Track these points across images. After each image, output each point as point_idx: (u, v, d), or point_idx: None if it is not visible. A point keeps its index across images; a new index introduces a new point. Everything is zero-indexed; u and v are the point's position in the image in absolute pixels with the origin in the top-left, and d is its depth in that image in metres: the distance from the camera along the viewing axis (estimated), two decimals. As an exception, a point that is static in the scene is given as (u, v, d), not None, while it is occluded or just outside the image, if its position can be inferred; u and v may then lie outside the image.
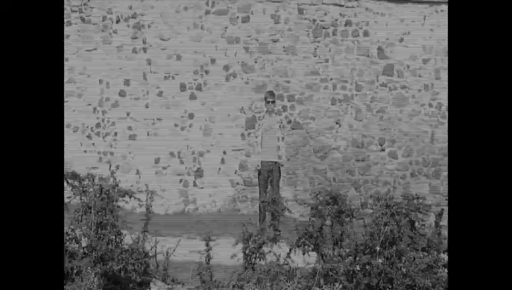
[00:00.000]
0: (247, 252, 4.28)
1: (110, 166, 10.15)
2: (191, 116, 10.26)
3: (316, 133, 10.46)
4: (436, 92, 10.60)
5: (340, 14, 10.50)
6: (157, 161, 10.20)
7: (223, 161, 10.29)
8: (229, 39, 10.30)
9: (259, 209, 7.81)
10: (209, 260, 4.11)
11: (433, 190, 10.50)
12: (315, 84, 10.45)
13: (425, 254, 4.22)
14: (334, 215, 4.31)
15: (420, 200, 4.30)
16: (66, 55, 10.02)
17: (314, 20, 10.46)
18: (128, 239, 4.38)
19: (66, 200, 4.19)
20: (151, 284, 4.32)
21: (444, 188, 10.42)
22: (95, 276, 4.09)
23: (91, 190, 4.37)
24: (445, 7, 10.37)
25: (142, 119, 10.24)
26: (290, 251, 4.37)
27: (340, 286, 4.17)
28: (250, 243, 4.27)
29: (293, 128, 10.39)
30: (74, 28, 10.22)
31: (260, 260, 4.32)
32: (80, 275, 4.13)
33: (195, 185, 10.22)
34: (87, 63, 10.23)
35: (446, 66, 10.38)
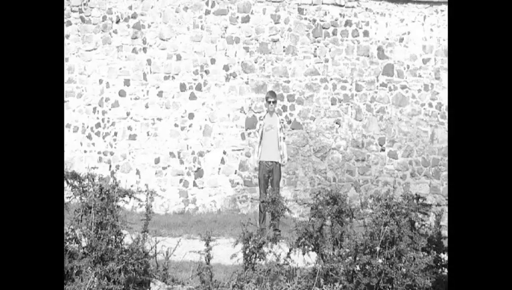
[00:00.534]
0: (247, 252, 4.27)
1: (110, 166, 10.15)
2: (191, 116, 10.26)
3: (316, 133, 10.46)
4: (436, 92, 10.61)
5: (340, 14, 10.50)
6: (157, 161, 10.20)
7: (223, 161, 10.29)
8: (229, 39, 10.31)
9: (259, 209, 7.80)
10: (209, 260, 4.11)
11: (433, 190, 10.51)
12: (315, 84, 10.45)
13: (425, 254, 4.22)
14: (334, 215, 4.30)
15: (420, 200, 4.30)
16: (66, 55, 10.03)
17: (314, 20, 10.46)
18: (128, 239, 4.38)
19: (66, 200, 4.20)
20: (151, 284, 4.32)
21: (444, 188, 10.43)
22: (95, 276, 4.09)
23: (91, 190, 4.37)
24: (445, 7, 10.37)
25: (142, 119, 10.24)
26: (290, 251, 4.37)
27: (340, 286, 4.17)
28: (250, 243, 4.27)
29: (293, 129, 10.39)
30: (74, 28, 10.22)
31: (260, 260, 4.32)
32: (79, 275, 4.13)
33: (195, 185, 10.22)
34: (87, 63, 10.23)
35: (446, 66, 10.39)
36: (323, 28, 10.47)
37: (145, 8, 10.27)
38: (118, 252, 4.17)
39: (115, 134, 10.21)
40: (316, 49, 10.45)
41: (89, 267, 4.14)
